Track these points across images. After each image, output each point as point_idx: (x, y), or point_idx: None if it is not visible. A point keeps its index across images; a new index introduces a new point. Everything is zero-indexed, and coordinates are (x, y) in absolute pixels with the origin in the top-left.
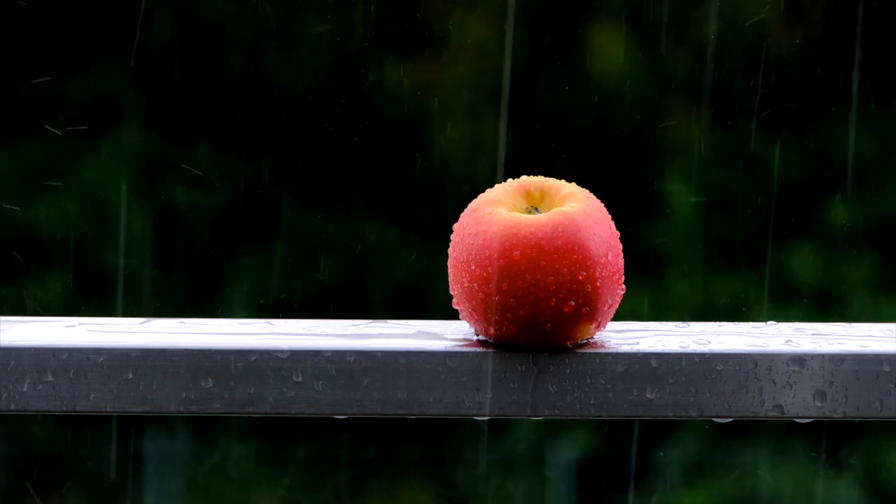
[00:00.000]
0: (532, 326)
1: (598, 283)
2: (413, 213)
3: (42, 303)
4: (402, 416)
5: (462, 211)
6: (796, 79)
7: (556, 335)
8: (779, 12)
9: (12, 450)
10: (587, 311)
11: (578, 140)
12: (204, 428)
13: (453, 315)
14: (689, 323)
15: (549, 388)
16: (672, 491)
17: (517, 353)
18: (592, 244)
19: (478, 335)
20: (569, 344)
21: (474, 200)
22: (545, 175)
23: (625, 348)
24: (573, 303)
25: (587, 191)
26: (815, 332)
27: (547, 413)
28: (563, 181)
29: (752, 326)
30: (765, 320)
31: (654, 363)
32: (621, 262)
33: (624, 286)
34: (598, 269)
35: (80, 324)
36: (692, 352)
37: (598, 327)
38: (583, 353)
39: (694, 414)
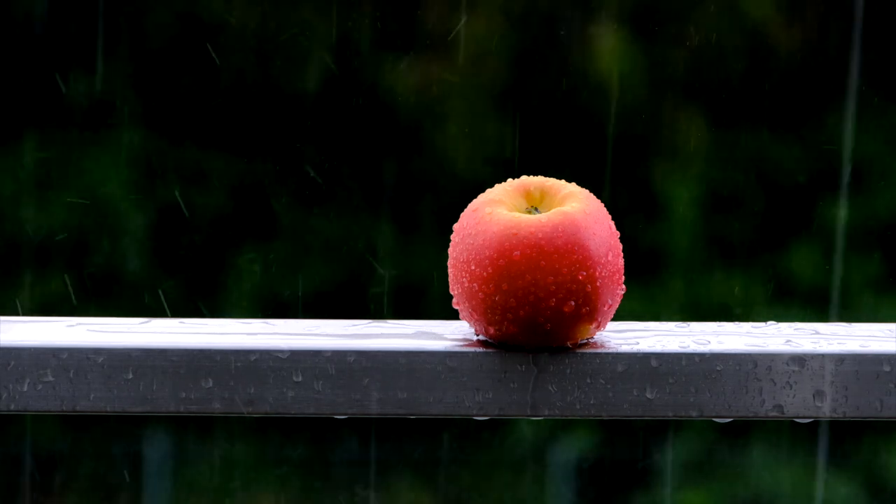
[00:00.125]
0: (532, 326)
1: (598, 283)
2: (413, 212)
3: (42, 303)
4: (402, 416)
5: (462, 211)
6: (796, 78)
7: (556, 335)
8: (779, 11)
9: (12, 450)
10: (587, 311)
11: (578, 140)
12: (204, 428)
13: (453, 315)
14: (689, 323)
15: (549, 388)
16: (672, 491)
17: (517, 353)
18: (592, 244)
19: (478, 335)
20: (569, 344)
21: (474, 200)
22: (545, 175)
23: (625, 348)
24: (573, 303)
25: (587, 191)
26: (815, 332)
27: (547, 413)
28: (563, 181)
29: (752, 326)
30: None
31: (654, 363)
32: (621, 262)
33: (624, 286)
34: (598, 269)
35: (80, 324)
36: (692, 352)
37: (598, 327)
38: (583, 353)
39: (694, 414)
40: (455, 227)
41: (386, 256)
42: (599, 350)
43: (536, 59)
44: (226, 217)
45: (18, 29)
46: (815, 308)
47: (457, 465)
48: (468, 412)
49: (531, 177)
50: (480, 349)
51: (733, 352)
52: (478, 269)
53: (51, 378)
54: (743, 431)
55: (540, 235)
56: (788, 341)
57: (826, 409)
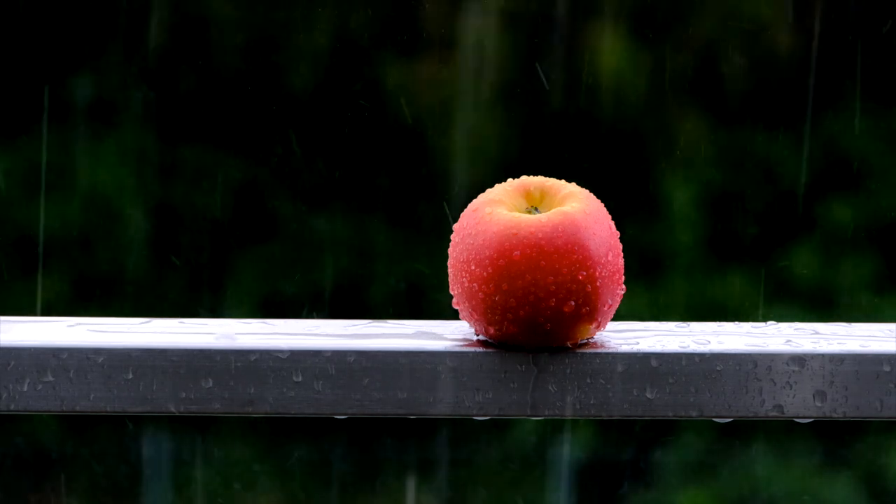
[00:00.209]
0: (532, 326)
1: (598, 283)
2: (413, 212)
3: (42, 303)
4: (402, 416)
5: (462, 211)
6: (797, 78)
7: (556, 335)
8: (779, 11)
9: (12, 450)
10: (587, 311)
11: (579, 140)
12: (204, 428)
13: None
14: (689, 323)
15: (549, 388)
16: (672, 491)
17: (517, 353)
18: (592, 244)
19: (478, 335)
20: (569, 344)
21: (474, 200)
22: (545, 175)
23: (625, 348)
24: (573, 303)
25: (587, 191)
26: (815, 332)
27: (547, 413)
28: (563, 181)
29: (752, 326)
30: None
31: (654, 363)
32: (621, 262)
33: (624, 286)
34: (598, 269)
35: (80, 324)
36: (692, 352)
37: (598, 327)
38: (583, 353)
39: (694, 414)
40: (455, 227)
41: (386, 256)
42: (599, 350)
43: (536, 59)
44: (226, 217)
45: (19, 29)
46: (815, 308)
47: (457, 465)
48: (468, 412)
49: (531, 177)
50: (480, 349)
51: (733, 352)
52: (478, 269)
53: (51, 378)
54: (743, 431)
55: (540, 235)
56: (788, 341)
57: (826, 409)
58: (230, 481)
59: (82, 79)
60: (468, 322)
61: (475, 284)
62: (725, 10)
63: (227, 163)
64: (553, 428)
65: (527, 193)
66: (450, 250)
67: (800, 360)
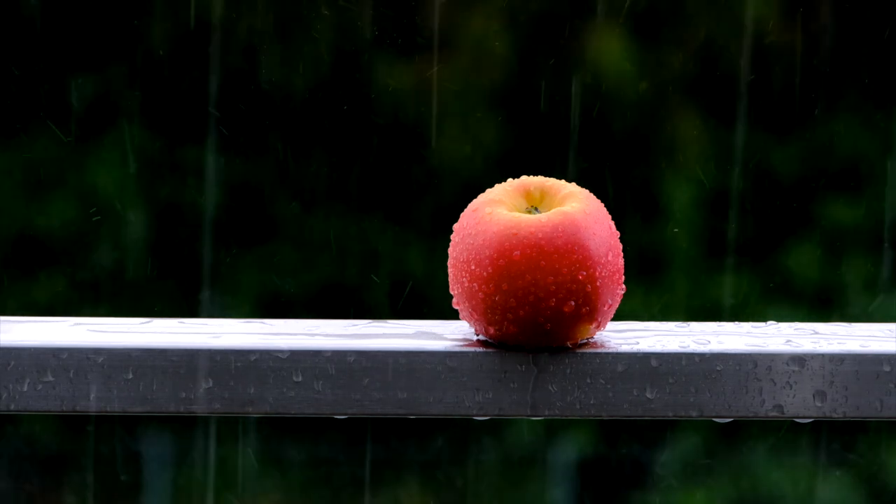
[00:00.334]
0: (532, 326)
1: (598, 283)
2: (413, 212)
3: (42, 303)
4: (402, 416)
5: (462, 211)
6: (796, 78)
7: (556, 335)
8: (779, 11)
9: (12, 450)
10: (587, 311)
11: (578, 140)
12: (204, 428)
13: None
14: (689, 323)
15: (549, 388)
16: (672, 491)
17: (517, 353)
18: (592, 244)
19: (478, 335)
20: (569, 344)
21: (474, 200)
22: (545, 175)
23: (625, 348)
24: (573, 303)
25: (587, 191)
26: (815, 332)
27: (547, 413)
28: (563, 181)
29: (752, 326)
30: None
31: (654, 363)
32: (621, 262)
33: (624, 286)
34: (598, 269)
35: (80, 324)
36: (692, 352)
37: (598, 327)
38: (583, 353)
39: (694, 414)
40: (455, 227)
41: (386, 256)
42: (599, 350)
43: (536, 59)
44: (226, 217)
45: (19, 28)
46: (815, 308)
47: (457, 465)
48: (468, 412)
49: (531, 177)
50: (480, 349)
51: (733, 352)
52: (478, 269)
53: (51, 378)
54: (743, 431)
55: (540, 235)
56: (788, 341)
57: (826, 409)
58: (230, 481)
59: (82, 79)
60: (468, 322)
61: (475, 284)
62: (726, 11)
63: (227, 163)
64: (553, 428)
65: (527, 193)
66: (450, 250)
67: (800, 360)
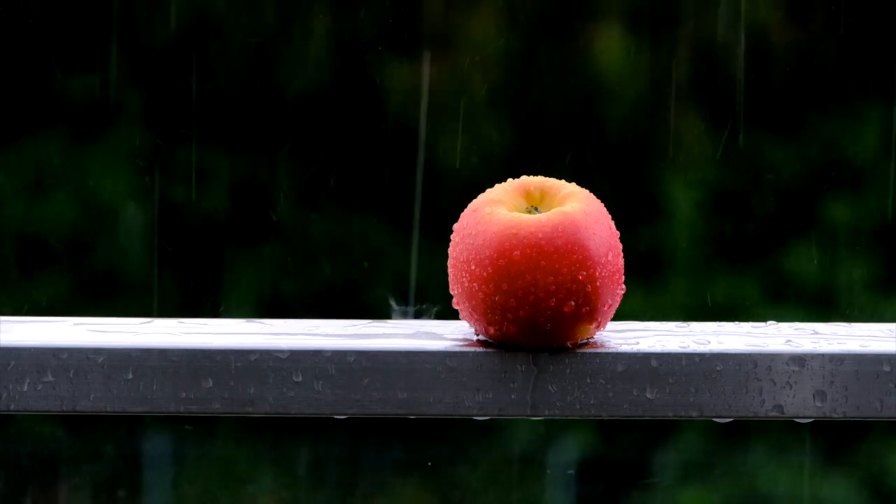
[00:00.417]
0: (532, 326)
1: (598, 283)
2: (413, 212)
3: (42, 303)
4: (402, 416)
5: (462, 211)
6: (796, 78)
7: (556, 335)
8: (779, 11)
9: (12, 450)
10: (587, 311)
11: (578, 140)
12: (204, 428)
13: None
14: (689, 323)
15: (549, 388)
16: (672, 491)
17: (517, 353)
18: (592, 244)
19: (478, 335)
20: (569, 344)
21: (474, 200)
22: (545, 175)
23: (625, 348)
24: (573, 303)
25: (587, 191)
26: (815, 332)
27: (547, 413)
28: (563, 181)
29: (752, 326)
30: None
31: (654, 363)
32: (621, 262)
33: (624, 286)
34: (598, 269)
35: (80, 324)
36: (692, 352)
37: (598, 327)
38: (583, 353)
39: (694, 414)
40: (455, 227)
41: (385, 256)
42: (599, 350)
43: (536, 59)
44: (226, 217)
45: (19, 28)
46: (815, 308)
47: (457, 465)
48: (468, 412)
49: (531, 177)
50: (480, 349)
51: (733, 352)
52: (478, 269)
53: (51, 378)
54: (743, 431)
55: (540, 235)
56: (788, 341)
57: (826, 409)
58: (230, 481)
59: (82, 78)
60: (468, 322)
61: (475, 284)
62: (726, 11)
63: (227, 163)
64: (553, 428)
65: (527, 193)
66: (450, 250)
67: (800, 360)
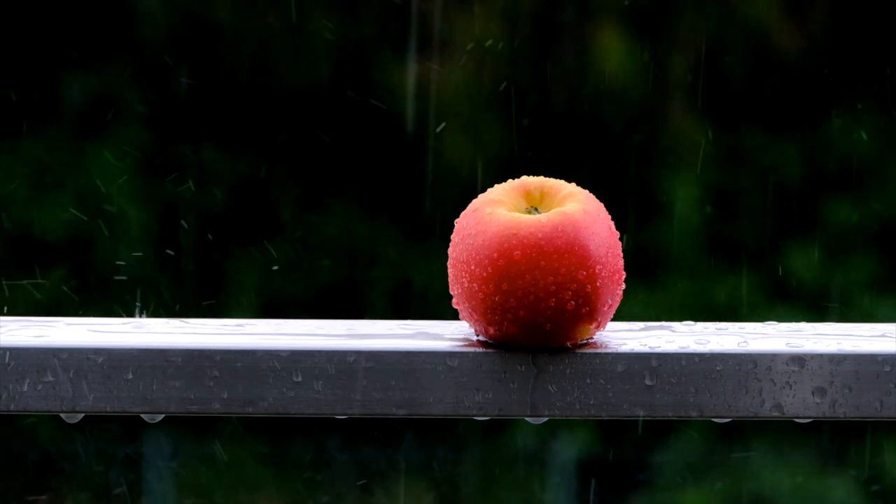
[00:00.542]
0: (532, 326)
1: (598, 284)
2: (413, 212)
3: (42, 303)
4: (402, 416)
5: (462, 211)
6: (797, 79)
7: (556, 335)
8: (780, 12)
9: (12, 450)
10: (587, 312)
11: (579, 140)
12: (204, 428)
13: (453, 315)
14: (689, 323)
15: (549, 388)
16: (672, 491)
17: (517, 353)
18: (592, 244)
19: (478, 335)
20: (569, 344)
21: (474, 200)
22: (545, 175)
23: (625, 348)
24: (573, 303)
25: (587, 191)
26: (815, 332)
27: (547, 413)
28: (562, 181)
29: (752, 326)
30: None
31: (654, 363)
32: (621, 262)
33: (624, 286)
34: (598, 269)
35: (80, 324)
36: (692, 352)
37: (598, 327)
38: (583, 353)
39: (694, 414)
40: (455, 227)
41: (386, 256)
42: (599, 350)
43: (537, 59)
44: (226, 217)
45: (19, 28)
46: (815, 308)
47: (457, 465)
48: (468, 412)
49: (531, 177)
50: (480, 349)
51: (733, 352)
52: (478, 269)
53: (51, 378)
54: (743, 431)
55: (540, 235)
56: (788, 341)
57: (826, 410)
58: (230, 481)
59: (83, 78)
60: (468, 322)
61: (475, 284)
62: (726, 11)
63: (228, 163)
64: (553, 428)
65: (527, 193)
66: (450, 250)
67: (800, 360)
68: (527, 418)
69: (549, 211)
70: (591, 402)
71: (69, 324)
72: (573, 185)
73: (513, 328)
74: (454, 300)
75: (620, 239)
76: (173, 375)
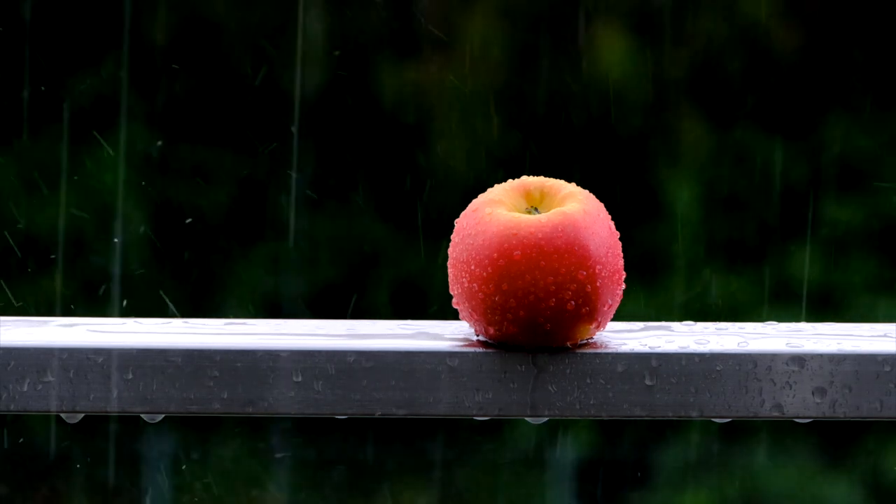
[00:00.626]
0: (532, 326)
1: (597, 283)
2: (413, 212)
3: (42, 303)
4: (402, 416)
5: (462, 211)
6: (796, 79)
7: (556, 335)
8: (779, 12)
9: (12, 450)
10: (587, 311)
11: (579, 140)
12: (204, 428)
13: (453, 315)
14: (689, 323)
15: (549, 388)
16: (672, 491)
17: (517, 353)
18: (592, 244)
19: (478, 335)
20: (569, 344)
21: (474, 200)
22: (545, 175)
23: (625, 348)
24: (573, 303)
25: (587, 191)
26: (815, 332)
27: (547, 413)
28: (562, 181)
29: (752, 326)
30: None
31: (654, 363)
32: (621, 262)
33: (624, 285)
34: (598, 269)
35: (80, 324)
36: (692, 352)
37: (598, 327)
38: (583, 353)
39: (694, 414)
40: (455, 227)
41: (386, 256)
42: (599, 350)
43: (537, 59)
44: (226, 217)
45: (19, 28)
46: (815, 308)
47: (457, 465)
48: (468, 412)
49: (531, 177)
50: (480, 349)
51: (733, 352)
52: (478, 269)
53: (51, 378)
54: (743, 431)
55: (540, 235)
56: (788, 341)
57: (826, 410)
58: (230, 481)
59: (83, 78)
60: (468, 322)
61: (475, 284)
62: (727, 11)
63: (228, 163)
64: (553, 428)
65: (527, 193)
66: (450, 250)
67: (800, 360)
68: (527, 418)
69: (549, 211)
70: (591, 402)
71: (69, 324)
72: (573, 185)
73: (513, 328)
74: (454, 300)
75: (621, 239)
76: (173, 375)
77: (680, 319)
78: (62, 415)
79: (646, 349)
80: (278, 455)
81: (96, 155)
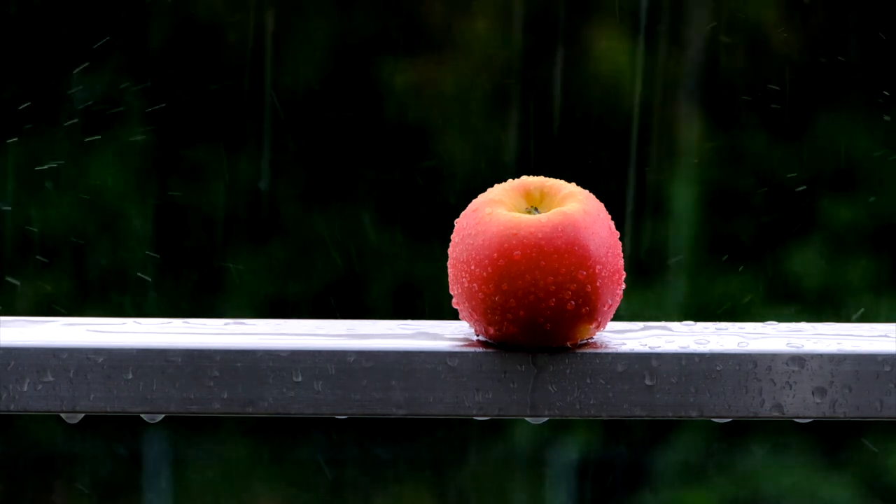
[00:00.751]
0: (532, 326)
1: (597, 283)
2: (413, 212)
3: (43, 302)
4: (402, 416)
5: (462, 211)
6: (796, 78)
7: (556, 335)
8: (779, 12)
9: (12, 450)
10: (587, 311)
11: (579, 140)
12: (204, 428)
13: (453, 315)
14: (689, 323)
15: (549, 388)
16: (672, 491)
17: (517, 353)
18: (592, 244)
19: (478, 335)
20: (569, 344)
21: (474, 200)
22: (546, 175)
23: (625, 348)
24: (573, 303)
25: (587, 191)
26: (815, 332)
27: (547, 413)
28: (562, 181)
29: (752, 326)
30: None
31: (654, 363)
32: (621, 262)
33: (624, 285)
34: (598, 269)
35: (80, 324)
36: (692, 352)
37: (598, 327)
38: (583, 353)
39: (694, 414)
40: (455, 227)
41: (386, 256)
42: (599, 350)
43: (537, 59)
44: (226, 217)
45: (19, 28)
46: (815, 308)
47: (457, 465)
48: (468, 412)
49: (531, 177)
50: (480, 349)
51: (733, 352)
52: (478, 269)
53: (51, 378)
54: (743, 431)
55: (540, 235)
56: (788, 341)
57: (826, 410)
58: (230, 481)
59: (83, 79)
60: (468, 322)
61: (475, 284)
62: (726, 11)
63: (228, 163)
64: (552, 428)
65: (527, 193)
66: (450, 250)
67: (800, 360)
68: (527, 418)
69: (549, 211)
70: (591, 402)
71: (69, 324)
72: (573, 185)
73: (513, 328)
74: (454, 300)
75: (621, 239)
76: (173, 375)
77: (680, 319)
78: (62, 415)
79: (646, 349)
80: (278, 455)
81: (97, 155)
